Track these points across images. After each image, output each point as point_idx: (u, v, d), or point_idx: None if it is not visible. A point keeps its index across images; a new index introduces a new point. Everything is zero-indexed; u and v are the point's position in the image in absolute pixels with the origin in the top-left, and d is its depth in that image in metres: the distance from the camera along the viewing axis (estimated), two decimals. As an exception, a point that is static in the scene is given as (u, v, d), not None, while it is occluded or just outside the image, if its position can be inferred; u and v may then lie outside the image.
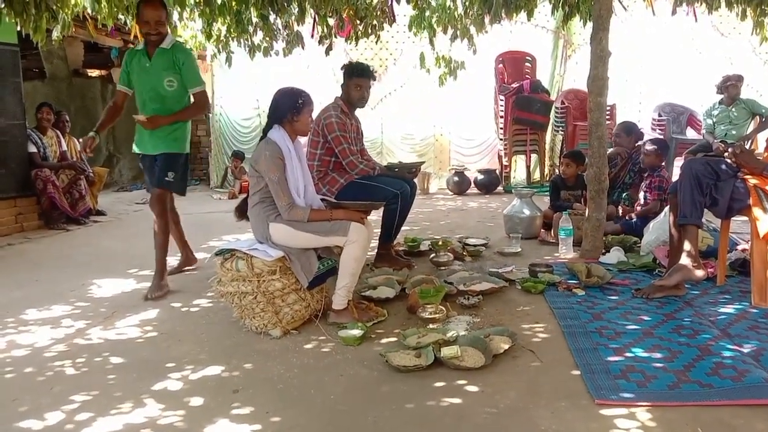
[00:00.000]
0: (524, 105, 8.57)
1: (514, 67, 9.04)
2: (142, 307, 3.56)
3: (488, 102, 9.48)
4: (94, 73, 11.02)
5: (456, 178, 8.93)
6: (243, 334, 3.06)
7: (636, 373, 2.39)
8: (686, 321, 2.97)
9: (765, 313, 3.08)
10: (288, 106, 3.11)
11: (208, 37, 6.19)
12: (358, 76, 4.11)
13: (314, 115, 3.42)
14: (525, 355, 2.66)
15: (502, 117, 8.86)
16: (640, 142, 5.35)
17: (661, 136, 7.79)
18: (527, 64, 9.07)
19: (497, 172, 9.07)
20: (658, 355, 2.55)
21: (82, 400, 2.36)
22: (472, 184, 8.97)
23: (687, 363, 2.46)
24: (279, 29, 5.97)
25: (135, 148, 4.01)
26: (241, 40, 5.99)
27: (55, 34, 5.32)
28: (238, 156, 9.27)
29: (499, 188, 8.96)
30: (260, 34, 5.98)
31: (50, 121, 6.85)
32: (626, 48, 8.55)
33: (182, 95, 3.87)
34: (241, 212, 3.33)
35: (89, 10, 5.20)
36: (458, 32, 6.22)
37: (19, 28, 5.02)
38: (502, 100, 8.81)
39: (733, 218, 3.57)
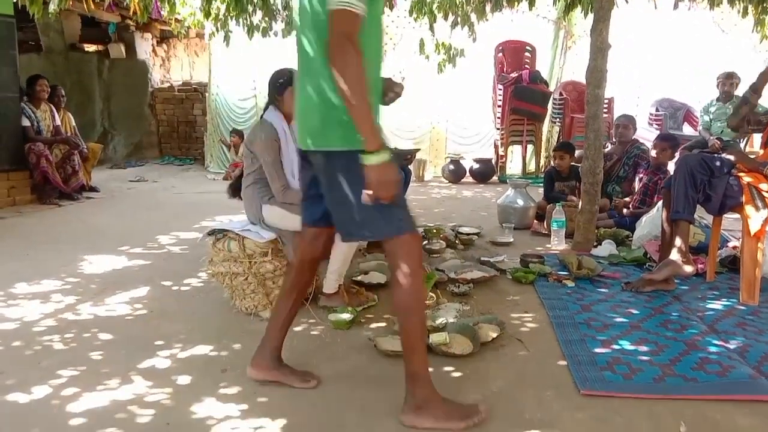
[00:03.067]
0: (522, 95, 8.52)
1: (514, 56, 8.98)
2: (132, 285, 3.55)
3: (486, 91, 9.43)
4: (90, 47, 10.92)
5: (451, 167, 8.91)
6: (233, 314, 3.06)
7: (622, 365, 2.40)
8: (674, 315, 2.99)
9: (753, 310, 3.10)
10: (272, 87, 3.10)
11: (207, 15, 6.11)
12: None
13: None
14: (513, 344, 2.67)
15: (499, 107, 8.81)
16: (637, 137, 5.37)
17: (658, 131, 7.81)
18: (527, 53, 9.01)
19: (493, 161, 9.06)
20: (645, 349, 2.57)
21: (70, 375, 2.36)
22: (468, 173, 8.96)
23: (673, 357, 2.48)
24: (278, 9, 5.91)
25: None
26: (240, 20, 5.93)
27: (52, 6, 5.22)
28: (237, 132, 9.16)
29: (494, 178, 8.94)
30: (259, 13, 5.92)
31: (46, 93, 6.79)
32: (626, 41, 8.51)
33: None
34: (235, 190, 3.33)
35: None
36: (459, 19, 6.17)
37: (15, 0, 4.95)
38: (500, 89, 8.76)
39: (725, 215, 3.58)
